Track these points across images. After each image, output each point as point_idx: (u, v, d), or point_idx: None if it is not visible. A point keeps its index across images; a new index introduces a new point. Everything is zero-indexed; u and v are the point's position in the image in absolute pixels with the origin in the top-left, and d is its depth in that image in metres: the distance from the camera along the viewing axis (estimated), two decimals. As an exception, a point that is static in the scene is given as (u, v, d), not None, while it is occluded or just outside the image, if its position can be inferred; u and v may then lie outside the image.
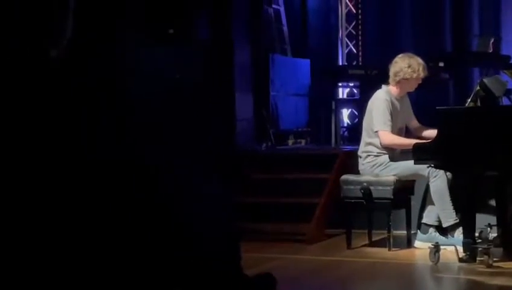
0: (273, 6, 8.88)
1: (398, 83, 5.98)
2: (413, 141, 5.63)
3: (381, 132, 5.85)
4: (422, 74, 5.92)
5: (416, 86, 6.03)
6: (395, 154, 5.93)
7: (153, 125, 1.45)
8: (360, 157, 6.04)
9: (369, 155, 5.97)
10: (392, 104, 5.93)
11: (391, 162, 5.89)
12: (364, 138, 6.02)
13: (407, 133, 6.10)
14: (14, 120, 1.29)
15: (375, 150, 5.94)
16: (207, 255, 1.49)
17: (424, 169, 5.65)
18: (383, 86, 6.05)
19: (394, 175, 5.85)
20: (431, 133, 5.74)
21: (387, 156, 5.93)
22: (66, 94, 1.34)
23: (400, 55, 6.02)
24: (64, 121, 1.30)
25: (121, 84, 1.37)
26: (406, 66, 5.91)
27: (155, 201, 1.36)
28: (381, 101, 5.90)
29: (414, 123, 6.16)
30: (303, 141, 8.77)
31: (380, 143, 5.88)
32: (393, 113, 5.91)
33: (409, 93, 6.16)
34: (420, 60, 5.94)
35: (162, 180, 1.40)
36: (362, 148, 6.04)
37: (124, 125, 1.37)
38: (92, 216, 1.31)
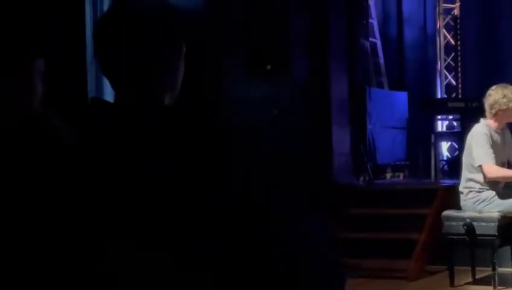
0: (370, 39, 8.85)
1: (495, 116, 5.80)
2: (520, 173, 5.43)
3: (484, 166, 5.65)
4: (518, 103, 5.74)
5: (515, 116, 5.85)
6: (498, 188, 5.74)
7: (255, 158, 1.45)
8: (462, 193, 5.88)
9: (471, 191, 5.80)
10: (492, 137, 5.74)
11: (495, 198, 5.71)
12: (465, 173, 5.85)
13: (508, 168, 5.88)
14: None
15: (477, 186, 5.77)
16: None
17: (530, 205, 5.46)
18: (481, 120, 5.88)
19: (498, 211, 5.67)
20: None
21: (490, 191, 5.74)
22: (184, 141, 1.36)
23: (492, 87, 5.86)
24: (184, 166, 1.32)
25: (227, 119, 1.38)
26: (501, 97, 5.74)
27: (262, 238, 1.35)
28: (479, 135, 5.73)
29: (514, 157, 5.95)
30: (401, 175, 8.64)
31: (484, 177, 5.69)
32: (494, 147, 5.72)
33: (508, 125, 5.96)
34: None
35: (267, 218, 1.40)
36: (463, 184, 5.87)
37: (235, 161, 1.37)
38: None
